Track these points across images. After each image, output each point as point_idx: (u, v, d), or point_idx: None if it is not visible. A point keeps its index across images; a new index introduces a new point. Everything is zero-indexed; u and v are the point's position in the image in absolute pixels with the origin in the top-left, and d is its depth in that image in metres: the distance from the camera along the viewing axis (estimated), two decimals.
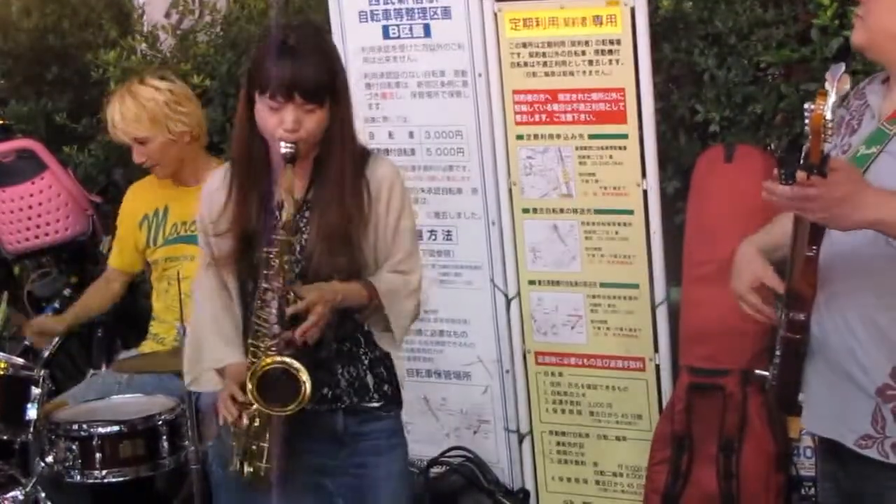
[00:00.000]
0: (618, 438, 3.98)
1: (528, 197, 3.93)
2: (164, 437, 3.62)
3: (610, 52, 3.71)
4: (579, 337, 3.96)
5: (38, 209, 4.54)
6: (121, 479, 3.61)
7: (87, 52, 5.02)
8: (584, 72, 3.76)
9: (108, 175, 4.90)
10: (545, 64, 3.82)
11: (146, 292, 4.17)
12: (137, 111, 3.83)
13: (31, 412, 3.68)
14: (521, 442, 4.11)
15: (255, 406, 2.69)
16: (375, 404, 2.87)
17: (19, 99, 5.29)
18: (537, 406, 4.07)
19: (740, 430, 3.65)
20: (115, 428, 3.61)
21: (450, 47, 3.94)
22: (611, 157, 3.79)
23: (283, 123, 2.68)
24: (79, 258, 4.79)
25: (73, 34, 5.29)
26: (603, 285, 3.89)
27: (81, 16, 5.35)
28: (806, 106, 2.12)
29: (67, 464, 3.60)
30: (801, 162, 2.13)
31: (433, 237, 4.08)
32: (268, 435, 2.72)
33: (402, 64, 4.03)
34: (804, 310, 2.42)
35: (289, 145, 2.67)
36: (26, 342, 4.22)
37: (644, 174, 3.75)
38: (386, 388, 2.89)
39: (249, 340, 2.75)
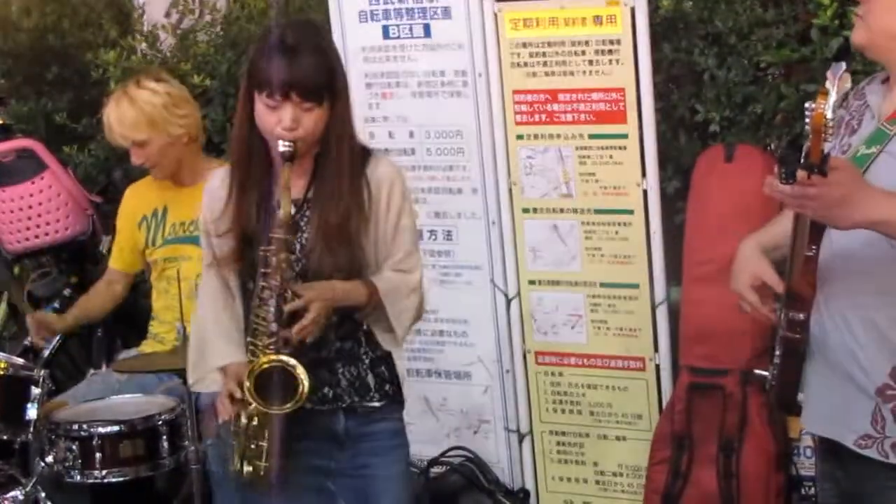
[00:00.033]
0: (618, 438, 3.98)
1: (528, 197, 3.93)
2: (164, 437, 3.62)
3: (610, 52, 3.71)
4: (579, 337, 3.96)
5: (38, 209, 4.54)
6: (121, 479, 3.61)
7: (87, 52, 5.03)
8: (584, 72, 3.76)
9: (108, 175, 4.90)
10: (545, 64, 3.82)
11: (146, 292, 4.17)
12: (135, 114, 3.81)
13: (31, 412, 3.67)
14: (521, 442, 4.11)
15: (253, 405, 2.69)
16: (376, 404, 2.87)
17: (19, 99, 5.29)
18: (537, 406, 4.07)
19: (740, 429, 3.65)
20: (115, 428, 3.60)
21: (450, 47, 3.95)
22: (611, 156, 3.79)
23: (281, 122, 2.68)
24: (79, 258, 4.79)
25: (73, 34, 5.30)
26: (603, 285, 3.89)
27: (81, 16, 5.35)
28: (807, 105, 2.12)
29: (67, 464, 3.59)
30: (802, 161, 2.13)
31: (433, 237, 4.08)
32: (267, 434, 2.72)
33: (402, 64, 4.03)
34: (804, 309, 2.42)
35: (287, 144, 2.67)
36: (26, 342, 4.22)
37: (644, 174, 3.75)
38: (387, 387, 2.89)
39: (248, 339, 2.75)
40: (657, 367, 3.86)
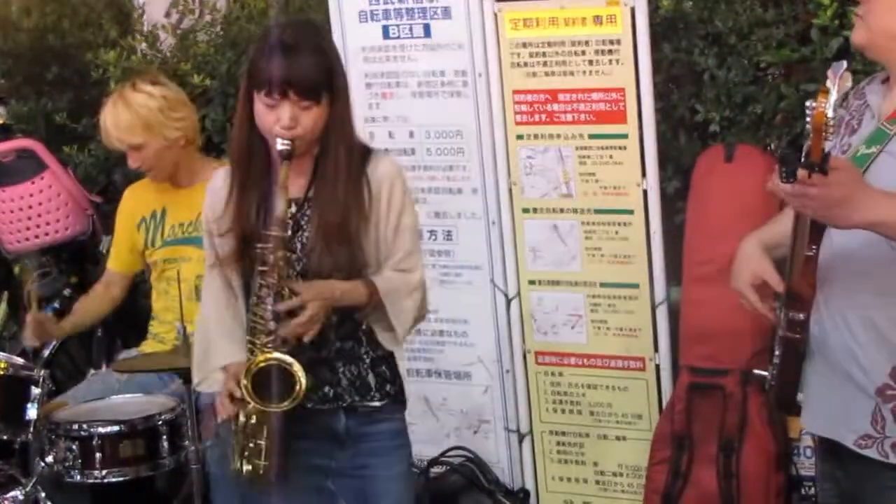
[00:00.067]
0: (618, 438, 3.98)
1: (528, 197, 3.93)
2: (164, 437, 3.62)
3: (610, 52, 3.71)
4: (579, 337, 3.96)
5: (38, 209, 4.54)
6: (121, 479, 3.61)
7: (87, 51, 5.03)
8: (584, 72, 3.76)
9: (108, 175, 4.89)
10: (545, 64, 3.82)
11: (146, 292, 4.16)
12: (130, 118, 3.80)
13: (31, 412, 3.68)
14: (521, 442, 4.11)
15: (251, 403, 2.70)
16: (377, 403, 2.87)
17: (19, 99, 5.29)
18: (537, 406, 4.07)
19: (740, 429, 3.65)
20: (115, 428, 3.60)
21: (450, 47, 3.95)
22: (611, 156, 3.79)
23: (279, 121, 2.68)
24: (79, 258, 4.79)
25: (73, 34, 5.29)
26: (603, 285, 3.89)
27: (81, 16, 5.35)
28: (808, 104, 2.12)
29: (67, 464, 3.60)
30: (803, 160, 2.13)
31: (433, 237, 4.08)
32: (265, 432, 2.73)
33: (402, 64, 4.03)
34: (803, 309, 2.42)
35: (285, 142, 2.68)
36: (24, 345, 4.21)
37: (644, 174, 3.75)
38: (388, 387, 2.89)
39: (247, 337, 2.75)
40: (657, 367, 3.86)
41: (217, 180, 2.91)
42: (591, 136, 3.80)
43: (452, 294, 4.07)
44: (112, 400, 3.84)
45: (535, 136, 3.88)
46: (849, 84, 2.14)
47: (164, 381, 3.85)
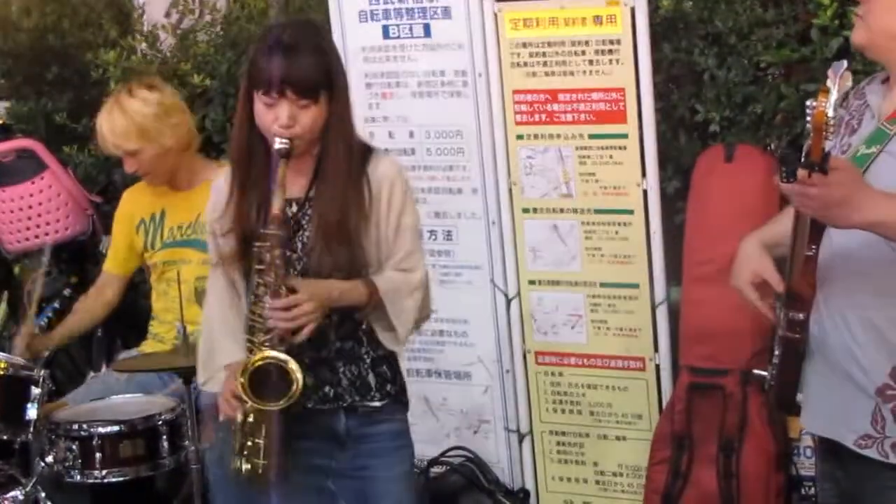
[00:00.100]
0: (618, 438, 3.98)
1: (528, 197, 3.93)
2: (164, 437, 3.61)
3: (610, 51, 3.71)
4: (579, 337, 3.96)
5: (38, 209, 4.54)
6: (121, 479, 3.61)
7: (87, 51, 5.02)
8: (584, 72, 3.76)
9: (108, 175, 4.89)
10: (545, 64, 3.82)
11: (146, 292, 4.16)
12: (126, 125, 3.79)
13: (31, 412, 3.67)
14: (521, 442, 4.11)
15: (248, 402, 2.70)
16: (377, 403, 2.87)
17: (19, 99, 5.29)
18: (537, 406, 4.07)
19: (740, 429, 3.65)
20: (115, 428, 3.60)
21: (450, 47, 3.95)
22: (611, 156, 3.79)
23: (277, 119, 2.68)
24: (79, 258, 4.79)
25: (73, 34, 5.29)
26: (603, 285, 3.89)
27: (81, 16, 5.35)
28: (808, 103, 2.12)
29: (67, 464, 3.59)
30: (803, 160, 2.13)
31: (433, 237, 4.08)
32: (264, 431, 2.73)
33: (402, 64, 4.03)
34: (803, 309, 2.42)
35: (283, 141, 2.68)
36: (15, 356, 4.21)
37: (644, 174, 3.75)
38: (389, 387, 2.89)
39: (245, 336, 2.75)
40: (657, 367, 3.86)
41: (220, 180, 2.91)
42: (591, 136, 3.80)
43: (452, 294, 4.06)
44: (112, 400, 3.84)
45: (535, 136, 3.88)
46: (849, 84, 2.14)
47: (164, 381, 3.85)
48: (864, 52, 2.52)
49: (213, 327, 2.91)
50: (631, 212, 3.80)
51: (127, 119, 3.80)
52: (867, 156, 2.39)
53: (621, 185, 3.79)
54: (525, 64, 3.84)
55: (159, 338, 3.97)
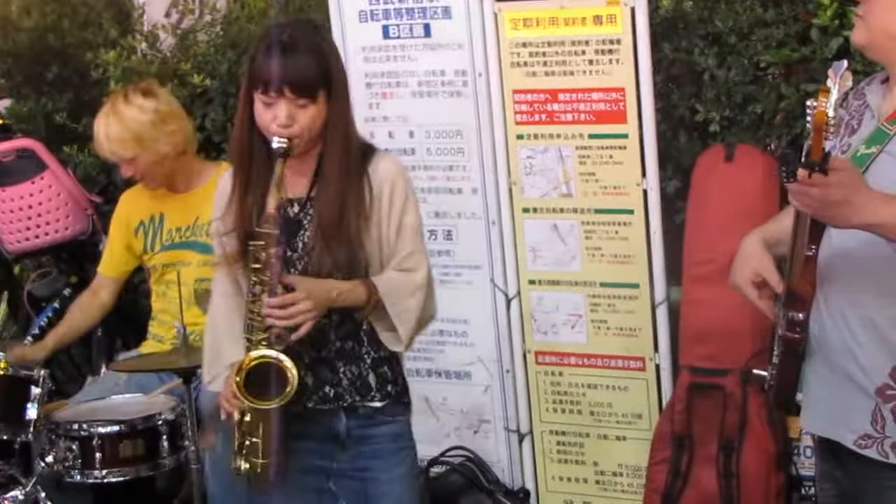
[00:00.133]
0: (618, 438, 3.98)
1: (529, 196, 3.93)
2: (164, 437, 3.61)
3: (610, 51, 3.71)
4: (579, 337, 3.96)
5: (38, 209, 4.54)
6: (121, 478, 3.61)
7: (87, 51, 5.03)
8: (584, 72, 3.76)
9: (108, 175, 4.89)
10: (545, 64, 3.82)
11: (146, 292, 4.16)
12: (122, 132, 3.78)
13: (31, 412, 3.68)
14: (521, 442, 4.11)
15: (245, 401, 2.70)
16: (378, 404, 2.86)
17: (19, 99, 5.28)
18: (537, 406, 4.07)
19: (740, 429, 3.65)
20: (115, 428, 3.60)
21: (450, 47, 3.95)
22: (611, 156, 3.79)
23: (276, 119, 2.68)
24: (79, 258, 4.78)
25: (73, 34, 5.29)
26: (603, 285, 3.89)
27: (81, 15, 5.34)
28: (808, 103, 2.12)
29: (67, 464, 3.59)
30: (803, 159, 2.13)
31: (433, 237, 4.08)
32: (262, 430, 2.72)
33: (402, 64, 4.03)
34: (803, 309, 2.42)
35: (282, 140, 2.68)
36: (26, 342, 4.20)
37: (644, 174, 3.75)
38: (389, 388, 2.88)
39: (243, 334, 2.75)
40: (657, 367, 3.86)
41: (224, 180, 2.91)
42: (591, 136, 3.80)
43: (452, 294, 4.06)
44: (112, 400, 3.84)
45: (535, 136, 3.88)
46: (849, 84, 2.14)
47: (163, 381, 3.85)
48: (864, 52, 2.52)
49: (218, 327, 2.91)
50: (631, 212, 3.80)
51: (123, 127, 3.78)
52: (867, 156, 2.39)
53: (621, 184, 3.79)
54: (525, 64, 3.84)
55: (159, 338, 3.97)
